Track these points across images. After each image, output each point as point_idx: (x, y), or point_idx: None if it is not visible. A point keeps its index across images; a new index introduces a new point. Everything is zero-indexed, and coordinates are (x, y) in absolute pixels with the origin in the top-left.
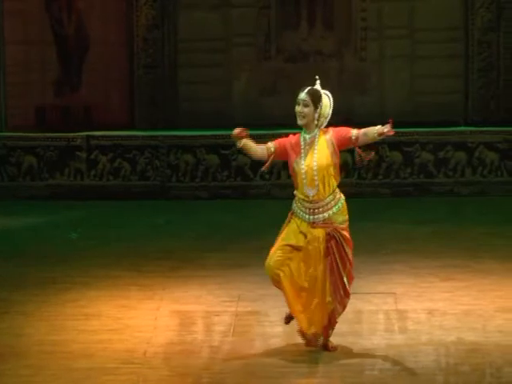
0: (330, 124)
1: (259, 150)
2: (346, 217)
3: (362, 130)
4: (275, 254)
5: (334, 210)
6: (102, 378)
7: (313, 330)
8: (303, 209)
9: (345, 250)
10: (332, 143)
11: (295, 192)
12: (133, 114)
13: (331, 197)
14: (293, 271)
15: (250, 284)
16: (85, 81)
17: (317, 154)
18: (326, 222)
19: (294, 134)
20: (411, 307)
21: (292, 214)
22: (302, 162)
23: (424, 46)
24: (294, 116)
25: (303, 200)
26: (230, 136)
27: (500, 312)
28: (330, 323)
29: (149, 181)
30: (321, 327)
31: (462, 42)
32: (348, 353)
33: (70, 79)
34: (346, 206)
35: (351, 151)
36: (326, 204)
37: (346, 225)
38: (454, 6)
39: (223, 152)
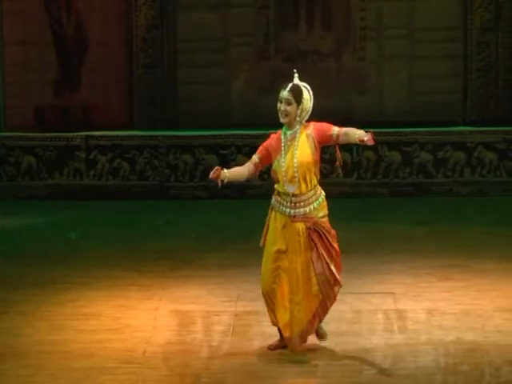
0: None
1: (244, 170)
2: (326, 212)
3: (344, 129)
4: (267, 273)
5: (315, 205)
6: (101, 377)
7: (296, 330)
8: (284, 203)
9: (329, 241)
10: (313, 139)
11: (275, 186)
12: (132, 114)
13: (312, 192)
14: (283, 280)
15: (249, 284)
16: (84, 81)
17: (297, 151)
18: (306, 217)
19: (276, 132)
20: (410, 307)
21: (272, 209)
22: (283, 159)
23: (423, 46)
24: None
25: (284, 194)
26: (209, 181)
27: (499, 312)
28: (318, 314)
29: (148, 181)
30: (305, 323)
31: (461, 42)
32: (347, 352)
33: (69, 79)
34: (325, 202)
35: (350, 150)
36: (307, 199)
37: (326, 219)
38: (452, 6)
39: (222, 152)
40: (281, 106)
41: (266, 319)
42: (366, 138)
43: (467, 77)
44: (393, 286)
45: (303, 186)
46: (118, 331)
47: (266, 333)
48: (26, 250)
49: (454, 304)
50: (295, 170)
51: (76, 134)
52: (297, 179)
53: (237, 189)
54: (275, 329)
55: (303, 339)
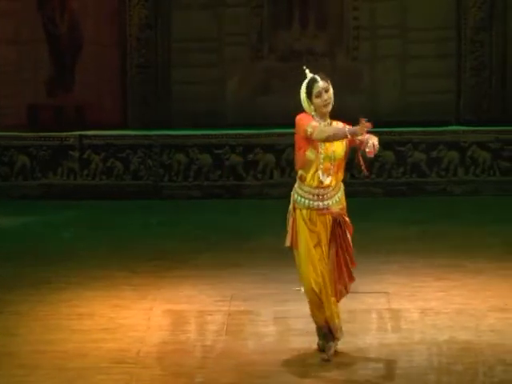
0: None
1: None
2: (345, 204)
3: (366, 137)
4: (313, 272)
5: (337, 197)
6: (96, 377)
7: (337, 321)
8: (310, 196)
9: (346, 236)
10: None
11: (299, 179)
12: (126, 113)
13: (338, 185)
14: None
15: (243, 283)
16: (77, 80)
17: (334, 143)
18: (331, 209)
19: (305, 114)
20: (404, 306)
21: (294, 208)
22: (321, 149)
23: (416, 46)
24: (286, 115)
25: (312, 187)
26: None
27: (492, 311)
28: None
29: (142, 180)
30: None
31: (455, 42)
32: (341, 352)
33: (63, 79)
34: (344, 196)
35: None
36: (333, 191)
37: (345, 212)
38: (446, 5)
39: (216, 152)
40: (322, 97)
41: (260, 319)
42: (367, 150)
43: (461, 76)
44: (387, 286)
45: (334, 178)
46: (113, 331)
47: (259, 332)
48: (20, 250)
49: (447, 303)
50: (332, 161)
51: (70, 133)
52: (332, 171)
53: (231, 188)
54: (269, 328)
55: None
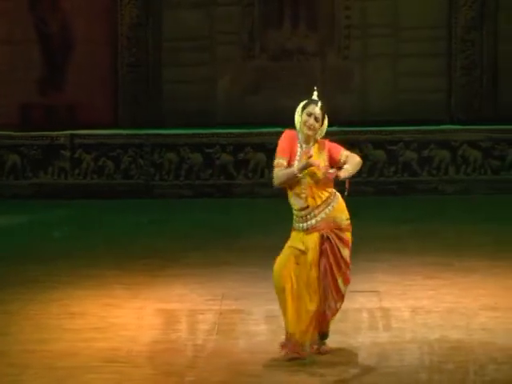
0: None
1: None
2: (344, 216)
3: (348, 158)
4: (282, 260)
5: (326, 212)
6: (86, 376)
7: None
8: (296, 218)
9: (340, 252)
10: (326, 159)
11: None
12: (117, 112)
13: (325, 202)
14: (294, 282)
15: (234, 282)
16: (69, 80)
17: (310, 169)
18: (316, 227)
19: (290, 130)
20: (395, 305)
21: (292, 228)
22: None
23: (407, 45)
24: (277, 114)
25: (294, 209)
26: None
27: (483, 310)
28: (321, 326)
29: (133, 179)
30: (303, 331)
31: (446, 41)
32: (332, 351)
33: (54, 78)
34: (342, 206)
35: None
36: (316, 209)
37: (344, 224)
38: (437, 4)
39: (207, 151)
40: (309, 120)
41: (251, 317)
42: (330, 171)
43: (452, 75)
44: (378, 285)
45: (310, 200)
46: (104, 330)
47: (250, 331)
48: (11, 249)
49: (438, 302)
50: (303, 187)
51: (61, 132)
52: (304, 195)
53: (221, 187)
54: (260, 327)
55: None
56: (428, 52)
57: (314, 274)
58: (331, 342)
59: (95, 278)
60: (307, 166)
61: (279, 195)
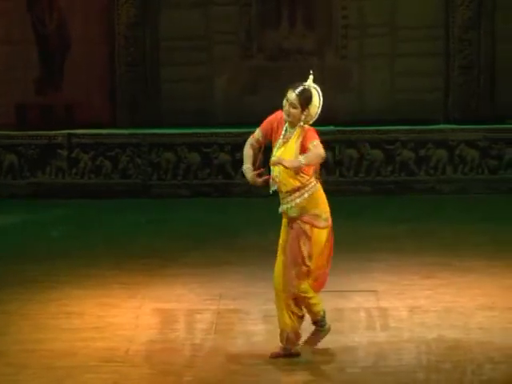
0: None
1: (251, 153)
2: (317, 211)
3: (311, 150)
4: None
5: (297, 202)
6: (84, 376)
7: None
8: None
9: (299, 245)
10: (300, 145)
11: None
12: (114, 112)
13: (295, 192)
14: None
15: (232, 282)
16: (66, 79)
17: (285, 150)
18: (286, 212)
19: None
20: (393, 305)
21: None
22: (274, 153)
23: (405, 44)
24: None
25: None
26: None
27: (480, 309)
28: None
29: (130, 179)
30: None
31: (443, 40)
32: (329, 350)
33: (52, 78)
34: (317, 200)
35: (332, 148)
36: (289, 196)
37: (310, 219)
38: (434, 4)
39: (205, 150)
40: (285, 106)
41: (249, 317)
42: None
43: (449, 75)
44: (375, 284)
45: (282, 187)
46: (101, 330)
47: (248, 331)
48: (9, 248)
49: (436, 302)
50: (276, 172)
51: (58, 132)
52: (277, 179)
53: (219, 187)
54: (257, 327)
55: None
56: (425, 52)
57: (281, 258)
58: (328, 341)
59: (93, 277)
60: (252, 182)
61: (278, 195)
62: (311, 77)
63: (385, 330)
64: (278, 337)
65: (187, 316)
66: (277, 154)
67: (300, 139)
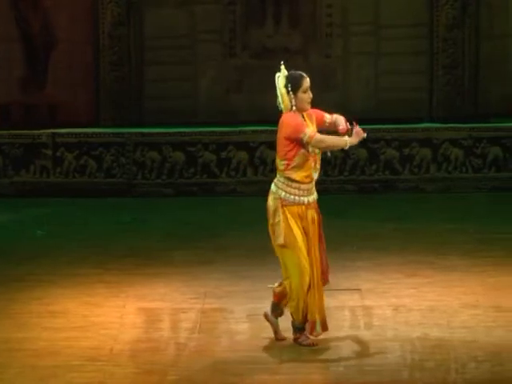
0: None
1: (328, 136)
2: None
3: (334, 116)
4: (306, 266)
5: (316, 191)
6: (68, 375)
7: (318, 316)
8: (300, 192)
9: (321, 229)
10: (314, 123)
11: (288, 176)
12: (98, 111)
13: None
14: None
15: (216, 281)
16: (50, 78)
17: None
18: (314, 203)
19: (283, 115)
20: (377, 303)
21: (282, 205)
22: (310, 148)
23: (389, 43)
24: (259, 112)
25: (300, 183)
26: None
27: (464, 308)
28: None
29: (115, 178)
30: (323, 311)
31: (427, 39)
32: (313, 349)
33: (36, 77)
34: None
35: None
36: (314, 185)
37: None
38: (418, 2)
39: (189, 149)
40: (309, 94)
41: (233, 316)
42: (340, 127)
43: (433, 73)
44: (359, 283)
45: (318, 174)
46: (85, 329)
47: (232, 330)
48: None
49: (420, 300)
50: (318, 156)
51: (42, 131)
52: (318, 165)
53: (204, 186)
54: (242, 326)
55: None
56: (410, 50)
57: (317, 250)
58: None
59: (77, 276)
60: (356, 140)
61: (261, 193)
62: (283, 67)
63: (369, 328)
64: (307, 329)
65: (171, 315)
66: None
67: (314, 119)
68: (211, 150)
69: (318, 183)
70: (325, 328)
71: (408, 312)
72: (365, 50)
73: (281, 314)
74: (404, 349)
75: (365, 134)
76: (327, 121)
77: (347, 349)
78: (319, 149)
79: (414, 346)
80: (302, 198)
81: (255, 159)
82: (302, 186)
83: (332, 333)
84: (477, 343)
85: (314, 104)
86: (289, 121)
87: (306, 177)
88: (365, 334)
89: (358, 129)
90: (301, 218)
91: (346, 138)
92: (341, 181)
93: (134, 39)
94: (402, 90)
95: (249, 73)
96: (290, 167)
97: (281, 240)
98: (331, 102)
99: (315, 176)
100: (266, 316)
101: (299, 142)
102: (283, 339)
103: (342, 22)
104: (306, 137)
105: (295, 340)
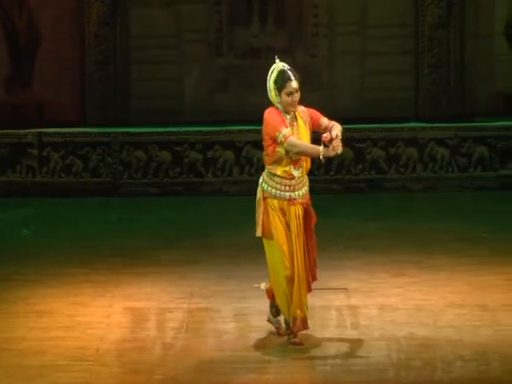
0: None
1: (302, 141)
2: (309, 195)
3: (331, 124)
4: (284, 258)
5: (305, 188)
6: (54, 375)
7: (299, 313)
8: (282, 187)
9: (312, 225)
10: (309, 124)
11: (271, 170)
12: (84, 110)
13: (305, 176)
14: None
15: (203, 281)
16: (36, 78)
17: (300, 135)
18: (302, 198)
19: (268, 107)
20: (363, 303)
21: (264, 198)
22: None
23: (375, 43)
24: (245, 111)
25: (283, 178)
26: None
27: (451, 307)
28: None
29: (101, 178)
30: (303, 308)
31: (413, 39)
32: (300, 348)
33: (21, 76)
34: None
35: None
36: (303, 181)
37: (309, 201)
38: (404, 2)
39: (175, 149)
40: (293, 97)
41: (220, 316)
42: (323, 135)
43: (419, 73)
44: (346, 282)
45: (304, 169)
46: (71, 328)
47: (219, 329)
48: None
49: (406, 299)
50: (303, 158)
51: (28, 130)
52: (301, 162)
53: (190, 185)
54: (229, 325)
55: (306, 324)
56: (395, 50)
57: (300, 245)
58: (300, 338)
59: (63, 276)
60: (331, 151)
61: (248, 193)
62: (277, 60)
63: (355, 327)
64: (292, 326)
65: (158, 315)
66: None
67: (307, 120)
68: (197, 150)
69: None
70: (305, 326)
71: (394, 311)
72: (351, 49)
73: (278, 311)
74: (390, 348)
75: (339, 151)
76: (323, 125)
77: (334, 348)
78: (291, 152)
79: (400, 345)
80: (283, 193)
81: (241, 158)
82: (284, 181)
83: (318, 332)
84: (463, 342)
85: (301, 104)
86: (267, 117)
87: (285, 172)
88: (351, 334)
89: (335, 144)
90: (283, 212)
91: (321, 148)
92: (327, 180)
93: (120, 39)
94: (388, 89)
95: (235, 72)
96: (270, 161)
97: (258, 231)
98: (317, 101)
99: (295, 173)
100: (268, 320)
101: (275, 140)
102: (286, 335)
103: (328, 22)
104: (281, 136)
105: (288, 335)
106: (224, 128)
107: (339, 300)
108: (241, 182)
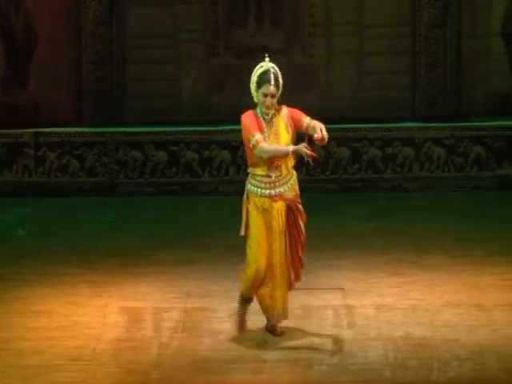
0: None
1: (272, 146)
2: (298, 192)
3: (312, 123)
4: (260, 253)
5: (291, 183)
6: (52, 374)
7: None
8: (262, 184)
9: (299, 223)
10: (290, 125)
11: (251, 169)
12: (81, 110)
13: (290, 172)
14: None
15: (199, 280)
16: (33, 77)
17: (279, 137)
18: (283, 196)
19: (246, 111)
20: (359, 302)
21: (247, 197)
22: (268, 143)
23: (372, 42)
24: (242, 111)
25: (262, 176)
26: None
27: (447, 307)
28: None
29: (97, 177)
30: (286, 303)
31: (409, 38)
32: (296, 348)
33: (18, 76)
34: (297, 182)
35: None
36: (284, 178)
37: (299, 199)
38: (400, 2)
39: (172, 148)
40: (266, 101)
41: (216, 315)
42: (315, 136)
43: (416, 73)
44: (342, 282)
45: (284, 167)
46: (68, 328)
47: (215, 329)
48: None
49: (402, 299)
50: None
51: (25, 130)
52: (280, 162)
53: (186, 185)
54: (224, 325)
55: (280, 319)
56: (392, 50)
57: (281, 243)
58: (295, 338)
59: (60, 276)
60: (302, 152)
61: (244, 193)
62: (267, 59)
63: (352, 327)
64: (273, 317)
65: (154, 314)
66: (273, 142)
67: (288, 121)
68: (194, 149)
69: (301, 182)
70: (280, 321)
71: (391, 311)
72: (347, 49)
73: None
74: (387, 348)
75: (309, 158)
76: (304, 125)
77: (330, 348)
78: (263, 157)
79: (396, 344)
80: (264, 191)
81: (237, 158)
82: (265, 179)
83: (315, 332)
84: (459, 342)
85: (298, 104)
86: (244, 121)
87: (264, 172)
88: (348, 333)
89: (307, 150)
90: (265, 209)
91: (291, 147)
92: (323, 180)
93: (117, 38)
94: (385, 89)
95: (231, 72)
96: (250, 162)
97: (242, 231)
98: (314, 101)
99: (272, 174)
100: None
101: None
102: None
103: (325, 22)
104: (254, 140)
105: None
106: (220, 128)
107: (336, 300)
108: (237, 182)
